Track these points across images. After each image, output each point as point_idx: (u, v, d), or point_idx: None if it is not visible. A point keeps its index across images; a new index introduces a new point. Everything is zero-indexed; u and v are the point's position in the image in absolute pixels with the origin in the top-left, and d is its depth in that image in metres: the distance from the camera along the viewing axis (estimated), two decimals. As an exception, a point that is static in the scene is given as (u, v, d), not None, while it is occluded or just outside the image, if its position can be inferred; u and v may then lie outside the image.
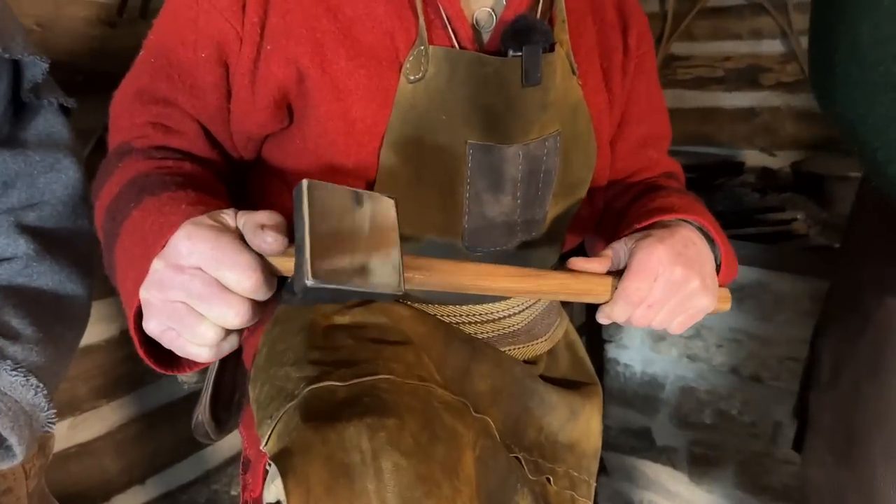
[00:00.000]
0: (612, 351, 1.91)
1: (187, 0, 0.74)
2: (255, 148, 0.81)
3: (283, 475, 0.62)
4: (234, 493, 1.67)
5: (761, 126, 2.11)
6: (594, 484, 0.91)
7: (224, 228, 0.58)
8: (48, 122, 0.81)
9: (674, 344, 1.78)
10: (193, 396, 1.42)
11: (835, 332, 0.97)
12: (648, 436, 1.89)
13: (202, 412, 0.93)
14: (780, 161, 2.08)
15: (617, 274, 0.74)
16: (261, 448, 0.67)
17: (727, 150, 2.17)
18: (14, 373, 0.67)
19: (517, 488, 0.81)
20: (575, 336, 1.02)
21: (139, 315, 0.60)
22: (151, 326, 0.58)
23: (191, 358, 0.58)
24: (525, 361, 0.90)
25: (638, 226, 0.78)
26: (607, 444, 1.96)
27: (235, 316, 0.55)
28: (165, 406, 1.51)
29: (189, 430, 1.49)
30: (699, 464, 1.80)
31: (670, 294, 0.72)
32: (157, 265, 0.57)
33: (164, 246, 0.58)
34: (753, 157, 2.12)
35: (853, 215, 0.99)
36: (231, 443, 1.65)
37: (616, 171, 0.94)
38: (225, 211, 0.60)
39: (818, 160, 1.86)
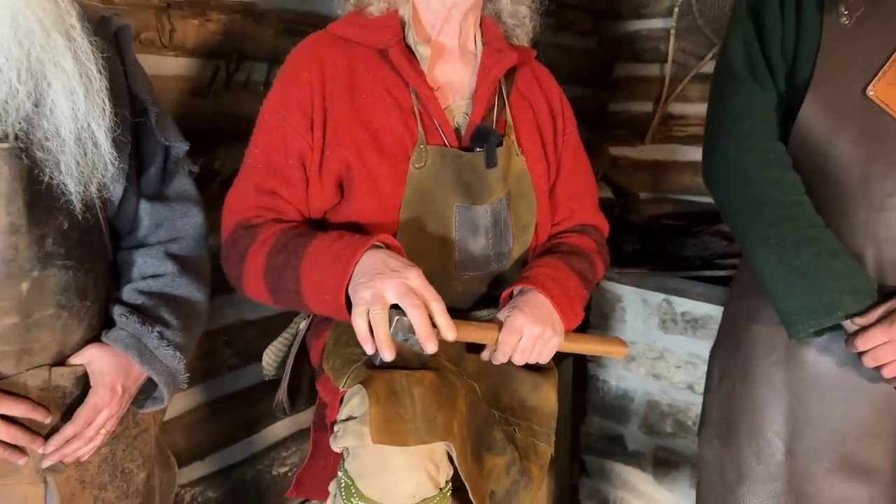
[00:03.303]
0: (593, 369, 2.14)
1: (275, 123, 1.12)
2: (320, 215, 1.18)
3: (365, 385, 1.00)
4: (274, 473, 1.89)
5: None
6: (553, 437, 1.26)
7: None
8: (182, 182, 1.15)
9: (642, 364, 2.02)
10: (250, 391, 1.70)
11: (722, 350, 1.30)
12: (622, 442, 2.09)
13: (281, 393, 1.30)
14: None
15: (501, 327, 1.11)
16: (340, 388, 1.06)
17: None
18: (167, 348, 1.03)
19: (495, 426, 1.17)
20: None
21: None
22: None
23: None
24: None
25: (509, 289, 1.16)
26: (589, 448, 2.18)
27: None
28: (225, 397, 1.72)
29: (241, 418, 1.78)
30: (662, 466, 2.02)
31: (534, 342, 1.09)
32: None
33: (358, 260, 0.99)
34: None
35: (739, 266, 1.32)
36: (274, 432, 1.88)
37: (552, 216, 1.31)
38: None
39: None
